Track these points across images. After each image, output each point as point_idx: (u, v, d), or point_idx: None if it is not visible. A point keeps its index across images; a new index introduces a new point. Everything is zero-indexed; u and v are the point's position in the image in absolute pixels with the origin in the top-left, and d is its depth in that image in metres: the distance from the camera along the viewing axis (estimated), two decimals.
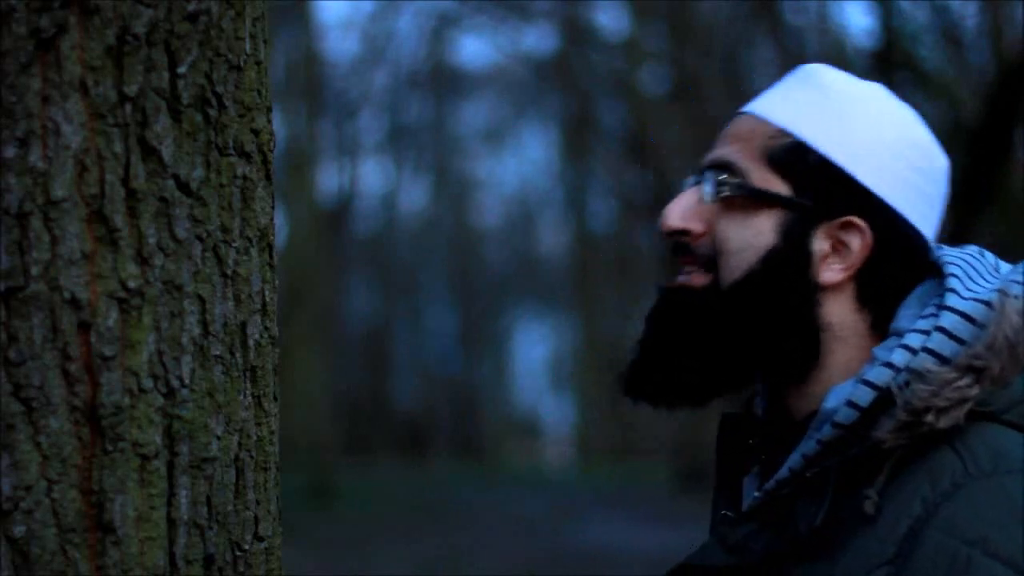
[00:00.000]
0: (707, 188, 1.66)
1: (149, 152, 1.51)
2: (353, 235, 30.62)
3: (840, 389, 1.59)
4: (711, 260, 1.65)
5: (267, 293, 1.65)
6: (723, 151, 1.67)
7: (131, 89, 1.50)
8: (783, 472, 1.59)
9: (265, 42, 1.66)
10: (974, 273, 1.62)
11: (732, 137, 1.68)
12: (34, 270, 1.45)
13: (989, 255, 1.67)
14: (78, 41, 1.47)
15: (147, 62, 1.51)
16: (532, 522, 17.90)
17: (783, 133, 1.65)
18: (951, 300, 1.57)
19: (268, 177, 1.66)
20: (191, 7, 1.54)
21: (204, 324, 1.55)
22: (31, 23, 1.45)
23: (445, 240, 34.51)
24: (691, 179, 1.70)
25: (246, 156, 1.61)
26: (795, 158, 1.64)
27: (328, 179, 26.97)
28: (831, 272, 1.63)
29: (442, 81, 27.48)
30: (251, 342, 1.61)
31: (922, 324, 1.58)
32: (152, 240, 1.51)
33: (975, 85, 12.15)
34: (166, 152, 1.52)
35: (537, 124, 30.21)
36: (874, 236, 1.62)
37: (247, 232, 1.61)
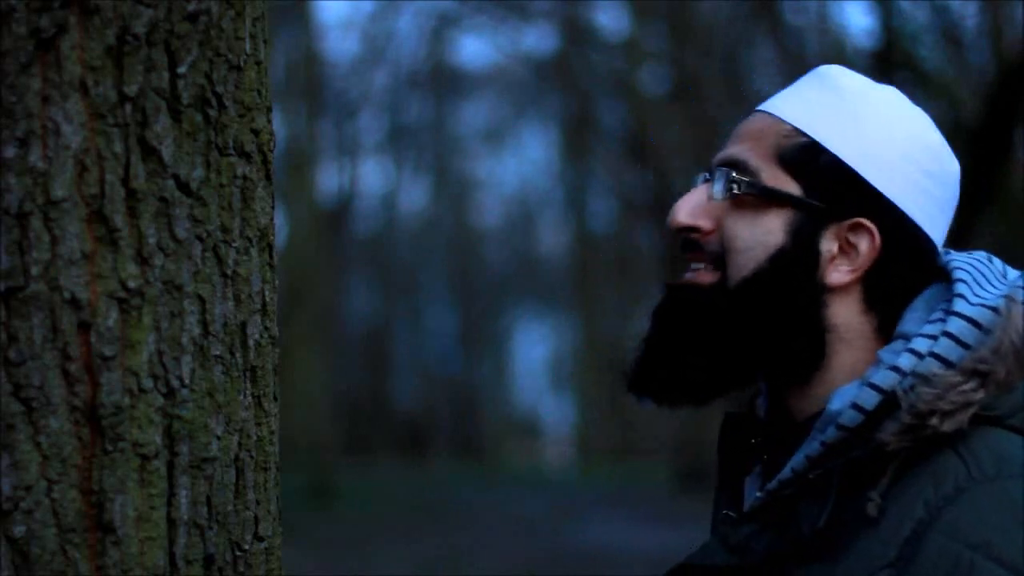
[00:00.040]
0: (717, 186, 1.66)
1: (149, 152, 1.51)
2: (353, 235, 30.62)
3: (845, 391, 1.59)
4: (719, 258, 1.65)
5: (267, 293, 1.65)
6: (735, 149, 1.67)
7: (131, 89, 1.50)
8: (786, 472, 1.59)
9: (265, 42, 1.66)
10: (982, 279, 1.62)
11: (745, 135, 1.68)
12: (34, 270, 1.45)
13: (997, 261, 1.67)
14: (78, 41, 1.47)
15: (147, 62, 1.51)
16: (532, 522, 17.90)
17: (796, 133, 1.65)
18: (959, 305, 1.57)
19: (268, 177, 1.66)
20: (191, 7, 1.54)
21: (204, 324, 1.55)
22: (31, 23, 1.45)
23: (445, 240, 34.49)
24: (701, 176, 1.70)
25: (246, 156, 1.61)
26: (807, 158, 1.63)
27: (328, 179, 26.98)
28: (838, 273, 1.63)
29: (442, 81, 27.47)
30: (251, 342, 1.61)
31: (929, 329, 1.58)
32: (152, 240, 1.51)
33: (975, 85, 12.16)
34: (166, 152, 1.52)
35: (537, 124, 30.21)
36: (882, 238, 1.62)
37: (247, 232, 1.61)
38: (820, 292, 1.63)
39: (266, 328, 1.64)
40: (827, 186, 1.63)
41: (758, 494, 1.62)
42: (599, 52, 20.19)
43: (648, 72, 20.94)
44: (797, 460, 1.58)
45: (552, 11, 19.74)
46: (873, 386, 1.56)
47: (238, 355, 1.59)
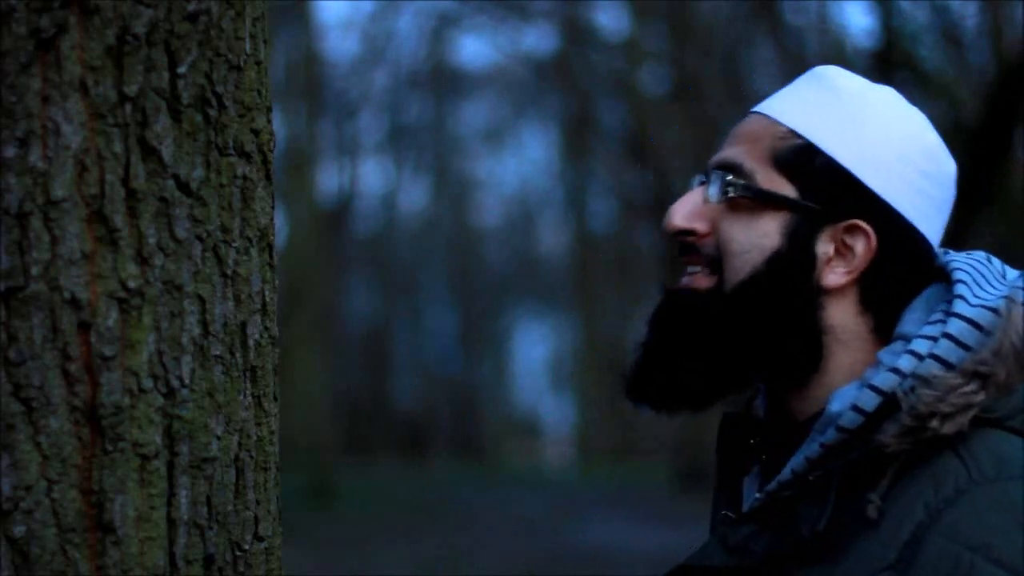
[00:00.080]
0: (713, 189, 1.65)
1: (149, 152, 1.51)
2: (353, 235, 30.62)
3: (844, 392, 1.59)
4: (716, 261, 1.64)
5: (267, 293, 1.65)
6: (730, 152, 1.67)
7: (131, 89, 1.50)
8: (785, 473, 1.59)
9: (265, 42, 1.66)
10: (982, 280, 1.61)
11: (740, 137, 1.68)
12: (34, 270, 1.45)
13: (996, 261, 1.67)
14: (78, 41, 1.47)
15: (147, 62, 1.51)
16: (532, 522, 17.90)
17: (792, 134, 1.64)
18: (959, 307, 1.57)
19: (268, 177, 1.66)
20: (191, 7, 1.54)
21: (204, 324, 1.55)
22: (31, 23, 1.45)
23: (445, 240, 34.50)
24: (697, 179, 1.70)
25: (246, 156, 1.61)
26: (802, 160, 1.63)
27: (328, 179, 26.99)
28: (835, 275, 1.63)
29: (442, 81, 27.47)
30: (251, 342, 1.61)
31: (929, 330, 1.58)
32: (152, 240, 1.51)
33: (975, 85, 12.16)
34: (166, 152, 1.52)
35: (537, 124, 30.22)
36: (878, 240, 1.62)
37: (247, 232, 1.61)
38: (816, 294, 1.63)
39: (266, 328, 1.64)
40: (823, 188, 1.62)
41: (757, 495, 1.62)
42: (599, 52, 20.20)
43: (648, 72, 20.95)
44: (796, 461, 1.58)
45: (552, 11, 19.74)
46: (873, 388, 1.55)
47: (238, 355, 1.59)
